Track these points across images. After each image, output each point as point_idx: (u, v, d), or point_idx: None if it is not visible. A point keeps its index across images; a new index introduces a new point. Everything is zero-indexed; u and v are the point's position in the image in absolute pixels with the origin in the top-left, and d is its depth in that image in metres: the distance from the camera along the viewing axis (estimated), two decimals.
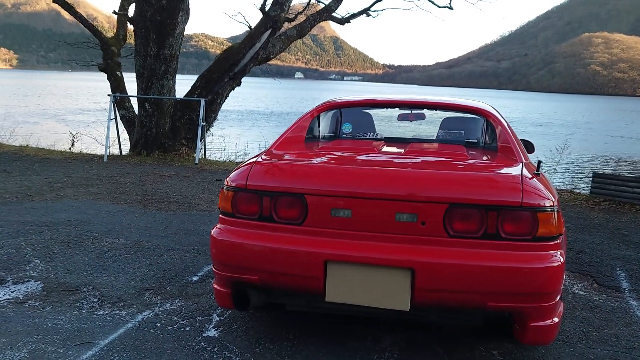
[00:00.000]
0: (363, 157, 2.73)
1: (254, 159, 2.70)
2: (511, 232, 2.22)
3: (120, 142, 10.41)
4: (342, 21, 13.76)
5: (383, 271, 2.24)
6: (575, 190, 8.65)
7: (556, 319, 2.30)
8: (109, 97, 10.22)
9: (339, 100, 3.67)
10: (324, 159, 2.77)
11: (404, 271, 2.22)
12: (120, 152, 10.49)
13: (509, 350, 2.76)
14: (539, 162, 2.50)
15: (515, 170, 2.44)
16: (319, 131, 3.62)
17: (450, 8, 15.26)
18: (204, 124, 9.74)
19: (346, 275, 2.27)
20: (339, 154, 2.92)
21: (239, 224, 2.48)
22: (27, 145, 11.61)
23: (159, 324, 2.97)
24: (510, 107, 69.61)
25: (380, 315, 2.46)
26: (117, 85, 11.46)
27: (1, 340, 2.73)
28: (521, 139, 4.24)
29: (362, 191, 2.31)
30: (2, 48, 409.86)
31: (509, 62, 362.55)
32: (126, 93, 11.20)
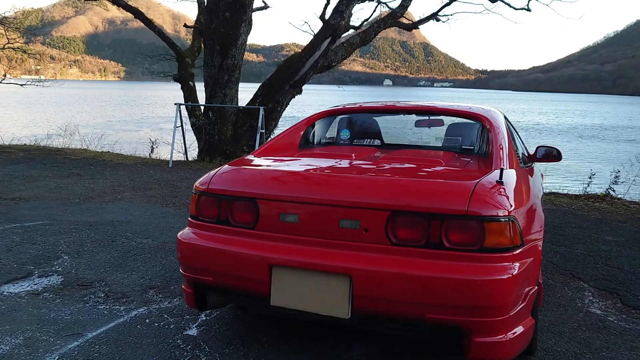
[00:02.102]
0: (326, 163, 2.73)
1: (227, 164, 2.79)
2: (456, 242, 2.13)
3: (186, 148, 10.97)
4: (409, 27, 13.62)
5: (323, 278, 2.23)
6: None
7: (510, 336, 2.16)
8: (175, 106, 10.79)
9: (339, 107, 3.67)
10: (285, 164, 2.81)
11: (343, 278, 2.19)
12: (186, 158, 11.04)
13: None
14: (502, 169, 2.36)
15: (475, 178, 2.33)
16: (314, 137, 3.65)
17: (528, 10, 14.61)
18: (263, 131, 10.02)
19: (289, 280, 2.29)
20: (309, 159, 2.93)
21: (201, 227, 2.58)
22: (108, 152, 12.54)
23: (147, 321, 3.12)
24: (615, 114, 65.04)
25: (327, 322, 2.44)
26: (189, 95, 12.09)
27: (5, 327, 3.00)
28: (547, 146, 4.03)
29: (307, 196, 2.32)
30: (112, 62, 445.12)
31: (614, 65, 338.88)
32: (197, 102, 11.78)
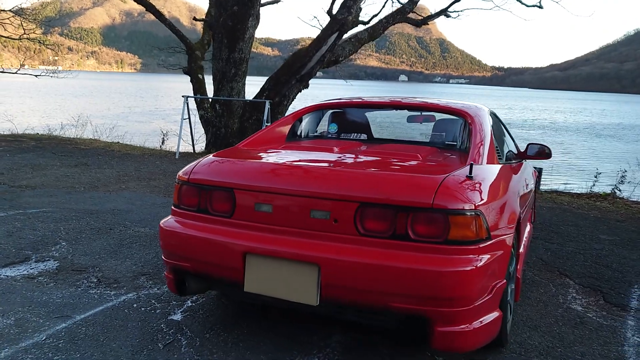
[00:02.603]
0: (306, 156, 2.81)
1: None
2: (421, 234, 2.19)
3: (193, 140, 11.10)
4: (419, 23, 13.59)
5: (293, 266, 2.31)
6: None
7: (473, 326, 2.23)
8: (183, 98, 10.92)
9: (328, 102, 3.74)
10: (265, 156, 2.89)
11: (311, 267, 2.27)
12: (194, 150, 11.17)
13: (456, 357, 2.70)
14: (471, 164, 2.41)
15: (446, 172, 2.39)
16: (302, 130, 3.72)
17: (540, 7, 14.53)
18: (269, 124, 10.09)
19: (262, 268, 2.37)
20: (291, 152, 3.01)
21: (182, 215, 2.67)
22: (118, 142, 12.72)
23: (135, 305, 3.23)
24: (634, 113, 64.10)
25: (298, 309, 2.52)
26: (199, 88, 12.21)
27: None
28: (537, 144, 4.07)
29: (281, 187, 2.40)
30: (128, 53, 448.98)
31: (634, 64, 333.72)
32: (206, 95, 11.90)
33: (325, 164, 2.66)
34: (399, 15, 12.45)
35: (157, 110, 38.02)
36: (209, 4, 13.23)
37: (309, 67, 10.71)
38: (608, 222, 6.23)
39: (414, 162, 2.74)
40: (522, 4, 14.36)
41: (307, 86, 11.09)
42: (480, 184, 2.40)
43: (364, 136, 3.70)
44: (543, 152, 4.04)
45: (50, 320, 2.99)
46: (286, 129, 3.53)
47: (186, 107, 10.54)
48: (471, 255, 2.20)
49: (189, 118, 10.74)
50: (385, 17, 12.37)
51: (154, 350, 2.69)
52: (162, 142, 13.66)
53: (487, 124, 3.17)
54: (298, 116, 3.62)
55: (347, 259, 2.22)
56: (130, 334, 2.85)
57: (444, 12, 13.57)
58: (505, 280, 2.46)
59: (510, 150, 3.88)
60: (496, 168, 2.82)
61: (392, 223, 2.22)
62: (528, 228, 4.37)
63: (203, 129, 12.07)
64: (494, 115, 3.80)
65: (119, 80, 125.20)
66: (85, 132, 14.75)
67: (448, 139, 3.49)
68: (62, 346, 2.70)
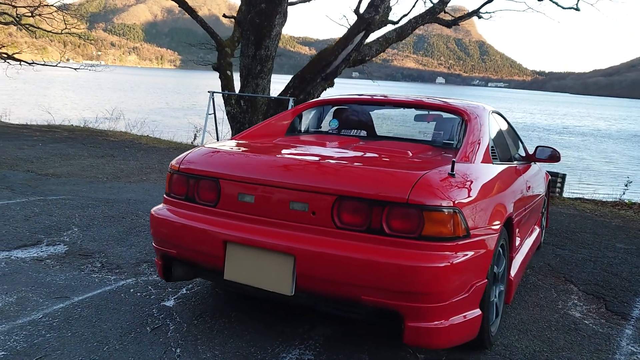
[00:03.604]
0: (297, 150, 2.85)
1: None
2: (395, 229, 2.20)
3: (218, 135, 11.28)
4: (449, 24, 13.46)
5: (270, 255, 2.35)
6: None
7: (446, 324, 2.22)
8: (208, 94, 11.12)
9: (328, 98, 3.78)
10: (254, 148, 2.94)
11: (287, 257, 2.31)
12: None
13: (438, 355, 2.69)
14: (453, 162, 2.40)
15: (427, 169, 2.39)
16: (302, 125, 3.76)
17: (577, 9, 14.19)
18: None
19: (241, 256, 2.42)
20: (285, 146, 3.05)
21: (172, 203, 2.75)
22: (147, 136, 13.02)
23: (132, 290, 3.32)
24: None
25: (275, 299, 2.54)
26: (227, 84, 12.37)
27: (4, 286, 3.26)
28: (546, 147, 4.01)
29: (262, 178, 2.44)
30: (168, 50, 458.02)
31: None
32: (234, 91, 12.07)
33: (311, 158, 2.69)
34: (429, 16, 12.34)
35: (193, 106, 38.62)
36: (241, 1, 13.41)
37: (334, 66, 10.72)
38: (628, 231, 6.05)
39: (401, 159, 2.74)
40: (558, 5, 14.05)
41: (332, 84, 11.10)
42: (463, 182, 2.38)
43: (364, 133, 3.71)
44: (553, 156, 3.99)
45: (49, 300, 3.11)
46: (287, 123, 3.57)
47: (212, 103, 10.72)
48: (446, 252, 2.19)
49: (214, 113, 10.93)
50: (415, 17, 12.29)
51: (141, 333, 2.77)
52: (195, 138, 13.93)
53: (486, 123, 3.14)
54: (299, 111, 3.66)
55: (321, 251, 2.24)
56: (122, 317, 2.94)
57: (475, 12, 13.41)
58: (486, 280, 2.44)
59: (516, 152, 3.83)
60: (487, 167, 2.79)
61: (368, 217, 2.24)
62: (536, 232, 4.30)
63: (229, 125, 12.26)
64: (498, 116, 3.75)
65: (159, 76, 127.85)
66: (118, 125, 15.17)
67: (445, 137, 3.47)
68: (56, 325, 2.81)
